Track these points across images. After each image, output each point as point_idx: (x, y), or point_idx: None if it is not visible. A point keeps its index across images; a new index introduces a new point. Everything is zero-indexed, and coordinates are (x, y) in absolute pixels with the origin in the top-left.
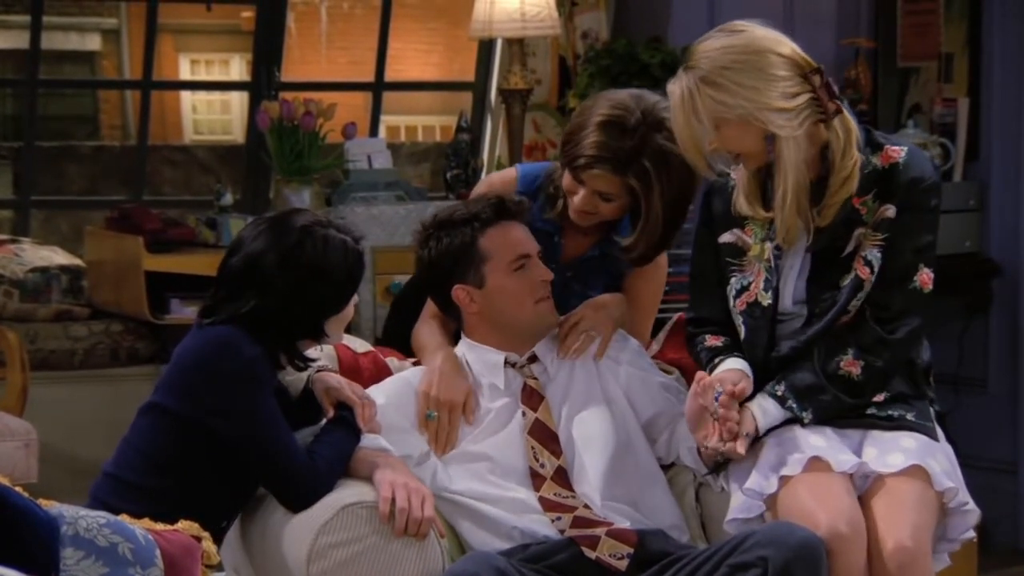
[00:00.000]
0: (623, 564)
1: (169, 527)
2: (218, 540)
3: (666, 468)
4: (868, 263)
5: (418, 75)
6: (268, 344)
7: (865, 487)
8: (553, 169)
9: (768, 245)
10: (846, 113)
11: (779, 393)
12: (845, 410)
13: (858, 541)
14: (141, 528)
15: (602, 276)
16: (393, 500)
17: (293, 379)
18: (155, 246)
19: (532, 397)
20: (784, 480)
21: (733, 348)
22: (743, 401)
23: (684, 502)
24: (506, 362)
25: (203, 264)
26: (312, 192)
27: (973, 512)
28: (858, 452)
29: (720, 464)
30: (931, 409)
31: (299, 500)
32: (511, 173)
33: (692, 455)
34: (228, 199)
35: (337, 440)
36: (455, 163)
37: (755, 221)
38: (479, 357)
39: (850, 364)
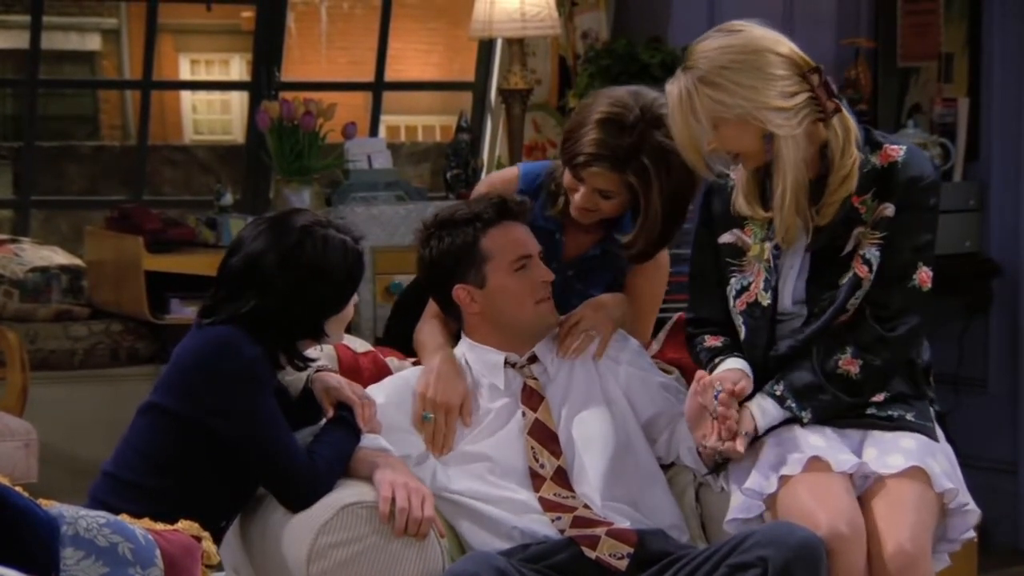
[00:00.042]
0: (623, 564)
1: (169, 527)
2: (217, 540)
3: (666, 468)
4: (866, 262)
5: (418, 75)
6: (268, 344)
7: (865, 487)
8: (554, 167)
9: (768, 245)
10: (845, 112)
11: (778, 393)
12: (844, 409)
13: (858, 541)
14: (141, 528)
15: (604, 275)
16: (393, 500)
17: (293, 379)
18: (155, 246)
19: (532, 397)
20: (784, 480)
21: (733, 348)
22: (743, 400)
23: (684, 502)
24: (506, 362)
25: (203, 264)
26: (312, 192)
27: (973, 512)
28: (858, 452)
29: (720, 464)
30: (931, 409)
31: (299, 500)
32: (513, 172)
33: (692, 455)
34: (228, 199)
35: (337, 440)
36: (455, 163)
37: (754, 221)
38: (479, 357)
39: (848, 363)
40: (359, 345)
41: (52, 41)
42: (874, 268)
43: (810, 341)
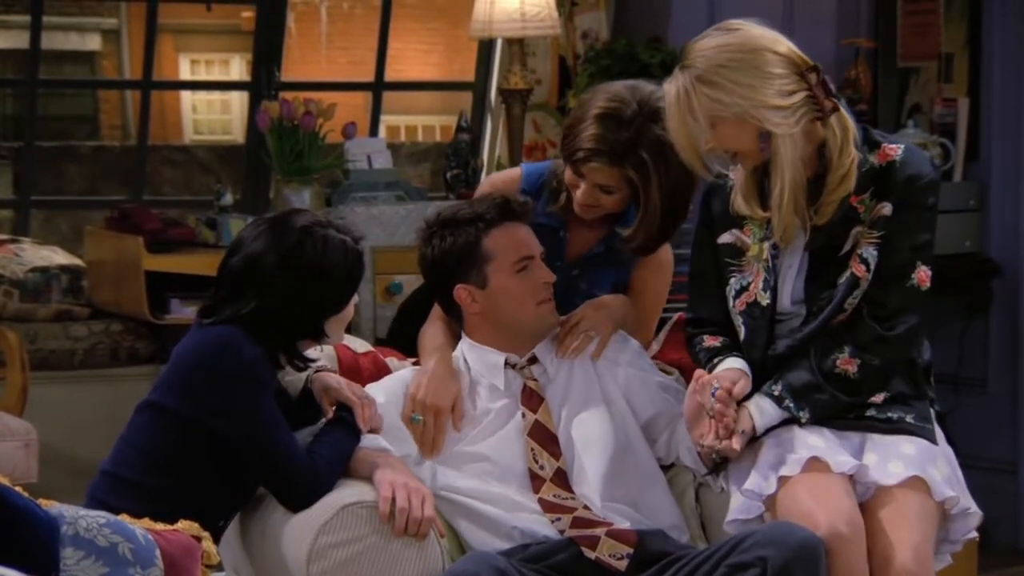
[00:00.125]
0: (623, 564)
1: (169, 527)
2: (216, 540)
3: (666, 468)
4: (864, 261)
5: (418, 75)
6: (268, 344)
7: (866, 497)
8: (557, 166)
9: (766, 245)
10: (843, 111)
11: (776, 393)
12: (842, 409)
13: (858, 542)
14: (141, 528)
15: (608, 275)
16: (393, 500)
17: (292, 379)
18: (155, 246)
19: (532, 398)
20: (783, 480)
21: (732, 348)
22: (741, 400)
23: (684, 502)
24: (506, 363)
25: (203, 264)
26: (312, 192)
27: (975, 514)
28: (858, 456)
29: (719, 464)
30: (931, 410)
31: (299, 500)
32: (515, 172)
33: (692, 455)
34: (228, 199)
35: (337, 440)
36: (455, 163)
37: (753, 221)
38: (479, 357)
39: (846, 362)
40: (359, 345)
41: (52, 41)
42: (872, 268)
43: (808, 341)
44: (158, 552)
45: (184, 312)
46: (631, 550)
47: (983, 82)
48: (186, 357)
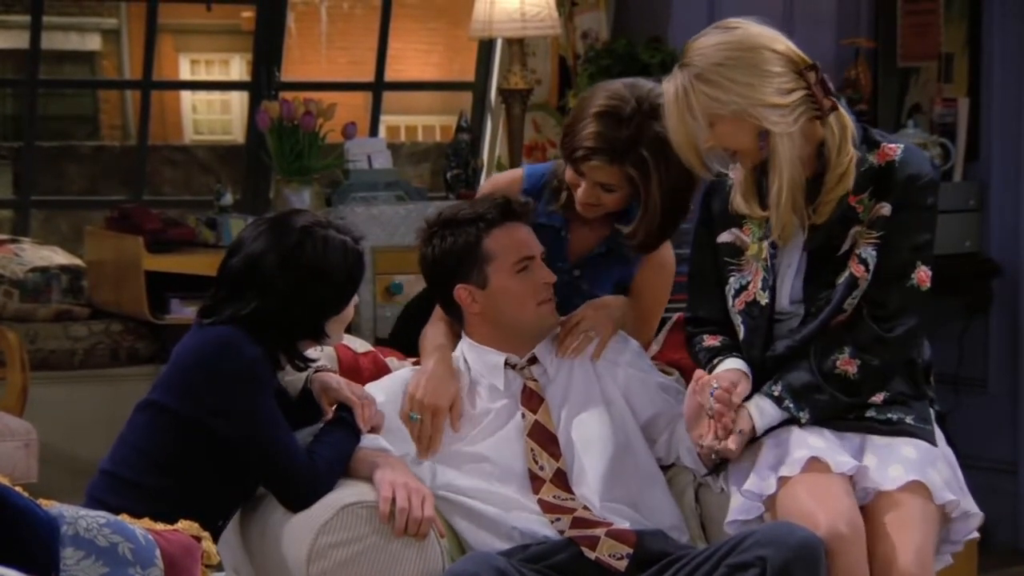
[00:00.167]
0: (623, 564)
1: (169, 527)
2: (214, 540)
3: (665, 469)
4: (863, 261)
5: (418, 75)
6: (268, 344)
7: (866, 501)
8: (558, 166)
9: (766, 244)
10: (842, 110)
11: (776, 393)
12: (842, 409)
13: (858, 542)
14: (141, 528)
15: (609, 275)
16: (393, 500)
17: (292, 379)
18: (155, 246)
19: (532, 399)
20: (783, 481)
21: (732, 348)
22: (741, 401)
23: (684, 502)
24: (506, 363)
25: (203, 264)
26: (312, 192)
27: (976, 515)
28: (858, 458)
29: (719, 465)
30: (931, 410)
31: (299, 500)
32: (517, 173)
33: (692, 456)
34: (228, 199)
35: (337, 440)
36: (455, 163)
37: (752, 220)
38: (479, 357)
39: (846, 363)
40: (359, 345)
41: (52, 41)
42: (871, 268)
43: (808, 341)
44: (158, 552)
45: (184, 312)
46: (631, 550)
47: (983, 82)
48: (186, 357)
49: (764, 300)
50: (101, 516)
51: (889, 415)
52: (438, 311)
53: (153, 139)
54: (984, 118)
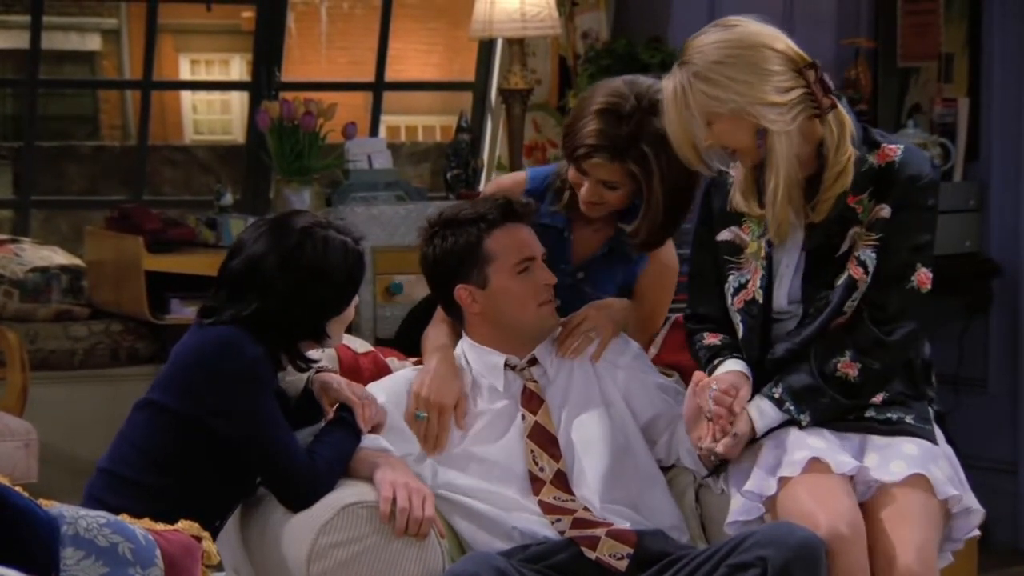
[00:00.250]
0: (623, 564)
1: (169, 527)
2: (212, 539)
3: (666, 469)
4: (862, 263)
5: (418, 75)
6: (269, 345)
7: (868, 495)
8: (561, 168)
9: (764, 242)
10: (841, 108)
11: (776, 395)
12: (842, 411)
13: (858, 542)
14: (141, 528)
15: (612, 276)
16: (394, 500)
17: (293, 379)
18: (155, 246)
19: (532, 400)
20: (783, 481)
21: (731, 347)
22: None
23: (684, 503)
24: (506, 364)
25: (203, 264)
26: (312, 192)
27: (977, 512)
28: (858, 458)
29: (719, 466)
30: (930, 410)
31: (299, 500)
32: (520, 175)
33: (692, 456)
34: (228, 199)
35: (337, 440)
36: (455, 163)
37: (752, 218)
38: (479, 358)
39: (847, 366)
40: (359, 345)
41: (52, 41)
42: (870, 270)
43: (807, 343)
44: (158, 552)
45: (184, 312)
46: (631, 550)
47: (983, 82)
48: (187, 356)
49: (763, 299)
50: (101, 516)
51: (889, 415)
52: (440, 312)
53: (153, 139)
54: (984, 118)
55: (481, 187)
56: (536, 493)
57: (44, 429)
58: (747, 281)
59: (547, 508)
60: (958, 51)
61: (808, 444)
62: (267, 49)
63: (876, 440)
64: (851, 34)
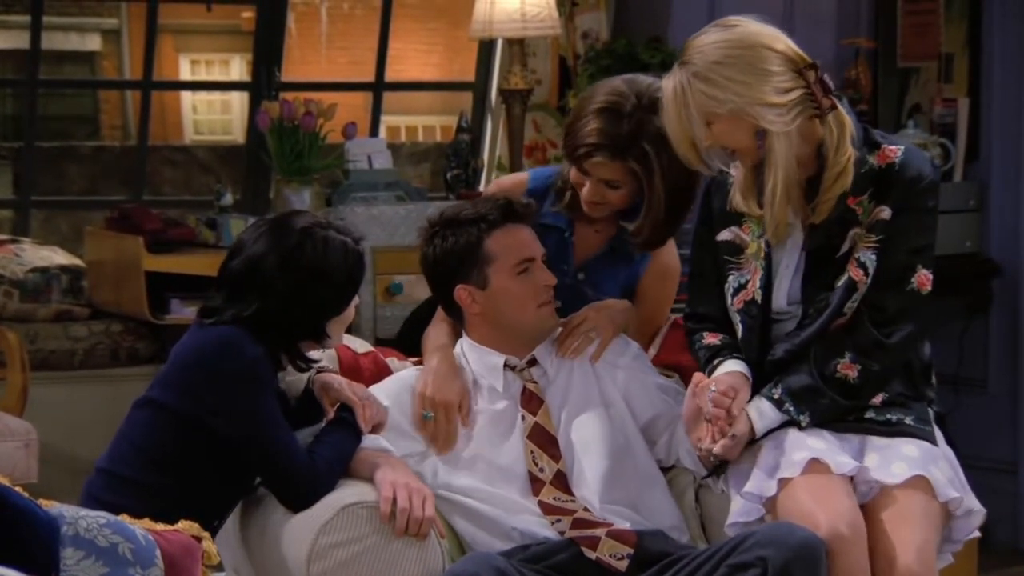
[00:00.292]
0: (623, 564)
1: (169, 527)
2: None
3: (666, 470)
4: (862, 265)
5: (418, 75)
6: (269, 345)
7: (869, 496)
8: (563, 168)
9: (764, 242)
10: (841, 109)
11: (776, 396)
12: (842, 412)
13: (859, 543)
14: (141, 528)
15: (614, 277)
16: (394, 500)
17: (294, 379)
18: (155, 246)
19: (532, 401)
20: (783, 482)
21: (731, 347)
22: None
23: (684, 503)
24: (506, 365)
25: (203, 264)
26: (312, 192)
27: (978, 513)
28: (859, 458)
29: (719, 467)
30: (930, 411)
31: (299, 500)
32: (522, 176)
33: (692, 457)
34: (228, 199)
35: (337, 441)
36: (455, 163)
37: (752, 218)
38: (479, 358)
39: (847, 367)
40: (359, 345)
41: (52, 41)
42: (870, 272)
43: (807, 345)
44: (158, 552)
45: (184, 312)
46: (631, 550)
47: (983, 82)
48: (187, 356)
49: (763, 299)
50: (101, 516)
51: (888, 416)
52: (440, 312)
53: (153, 139)
54: (984, 118)
55: (481, 187)
56: (536, 494)
57: (44, 429)
58: (747, 281)
59: (547, 508)
60: (958, 51)
61: (808, 445)
62: (267, 49)
63: (876, 441)
64: (851, 34)
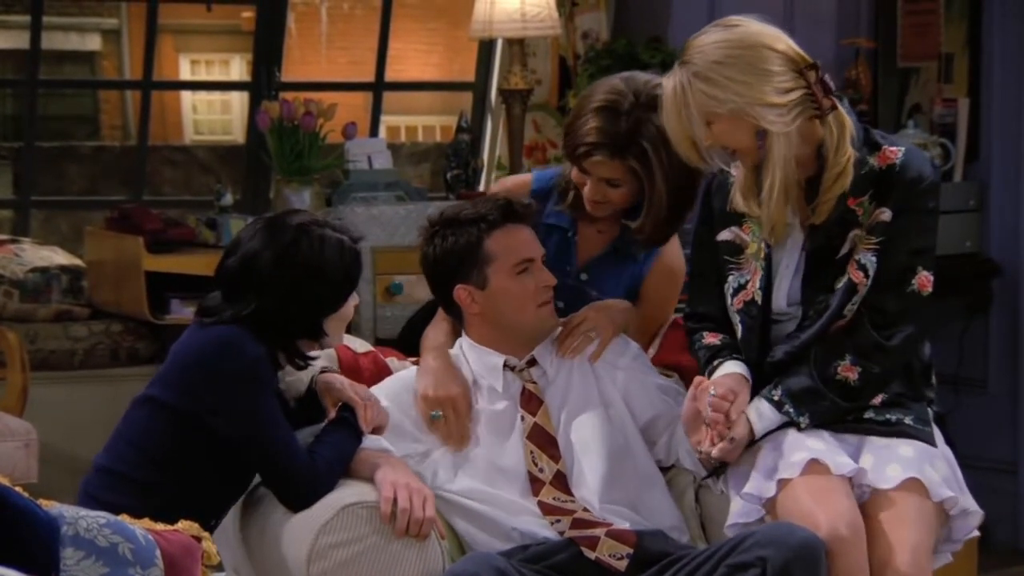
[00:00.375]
0: (623, 564)
1: (169, 527)
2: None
3: (665, 470)
4: (862, 267)
5: (418, 75)
6: (268, 344)
7: (862, 500)
8: (566, 169)
9: (764, 243)
10: (841, 109)
11: (776, 398)
12: (842, 414)
13: (858, 543)
14: (141, 528)
15: (617, 277)
16: (394, 500)
17: (294, 379)
18: (155, 246)
19: (531, 401)
20: (783, 483)
21: (731, 347)
22: None
23: (683, 503)
24: (505, 365)
25: (203, 264)
26: (312, 192)
27: (976, 513)
28: (856, 458)
29: (719, 467)
30: (929, 411)
31: (299, 500)
32: (526, 177)
33: (691, 457)
34: (228, 199)
35: (338, 440)
36: (455, 163)
37: (752, 219)
38: (479, 358)
39: (847, 369)
40: (359, 345)
41: (52, 41)
42: (870, 274)
43: (807, 346)
44: (158, 552)
45: (184, 312)
46: (631, 550)
47: (983, 82)
48: (187, 355)
49: (762, 300)
50: (101, 516)
51: (888, 416)
52: (440, 312)
53: (153, 139)
54: (984, 118)
55: (481, 187)
56: (536, 494)
57: (44, 429)
58: (747, 282)
59: (547, 509)
60: (958, 51)
61: (807, 446)
62: (267, 49)
63: (874, 441)
64: (851, 34)
